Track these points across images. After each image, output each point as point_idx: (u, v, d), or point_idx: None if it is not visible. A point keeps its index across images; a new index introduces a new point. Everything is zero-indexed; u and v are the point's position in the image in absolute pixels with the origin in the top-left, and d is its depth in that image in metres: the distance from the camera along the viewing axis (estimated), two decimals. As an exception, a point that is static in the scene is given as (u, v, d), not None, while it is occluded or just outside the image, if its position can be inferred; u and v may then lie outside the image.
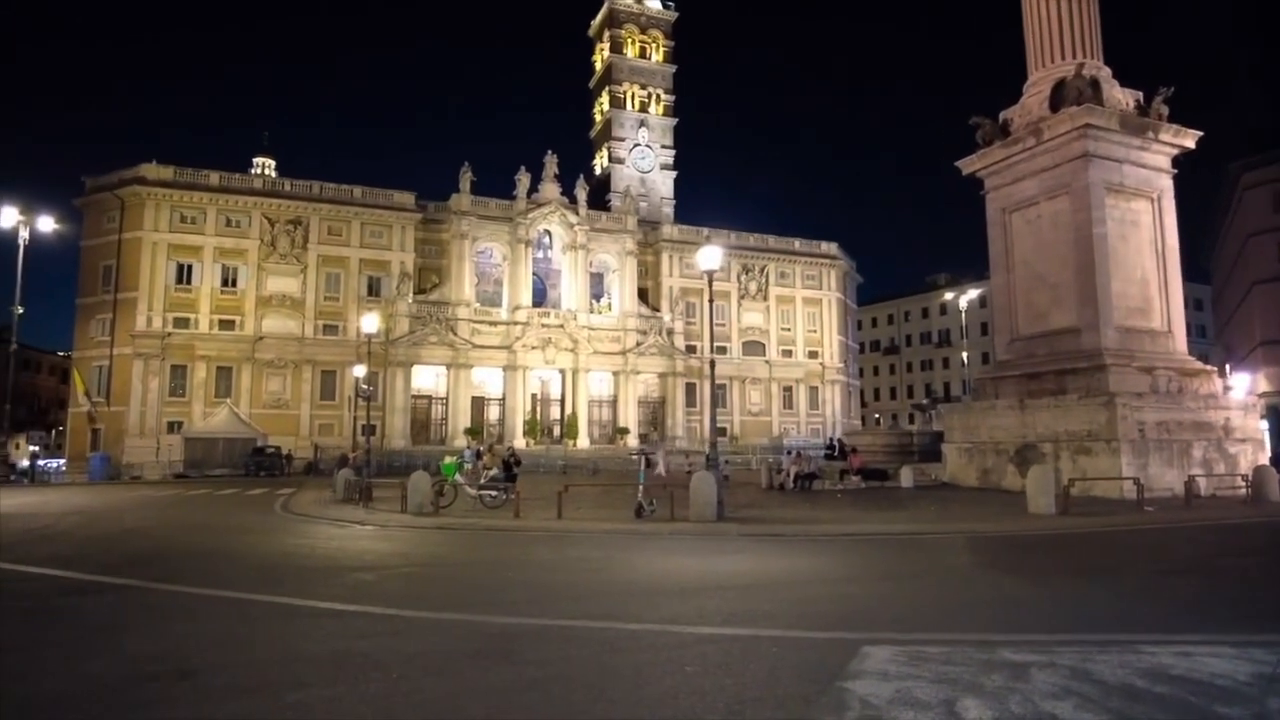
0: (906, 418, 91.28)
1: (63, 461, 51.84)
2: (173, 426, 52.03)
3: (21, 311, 40.42)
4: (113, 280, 54.05)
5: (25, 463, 50.74)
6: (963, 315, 63.18)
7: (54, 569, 10.99)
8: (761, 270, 71.26)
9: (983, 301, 64.49)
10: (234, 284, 55.53)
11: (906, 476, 25.93)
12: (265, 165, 77.66)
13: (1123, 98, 25.12)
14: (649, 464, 21.61)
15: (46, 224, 40.05)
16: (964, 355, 71.00)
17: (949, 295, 78.50)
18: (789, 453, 30.77)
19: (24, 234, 38.60)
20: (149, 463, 47.88)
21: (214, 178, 56.04)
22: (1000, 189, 26.52)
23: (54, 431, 79.08)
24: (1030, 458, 22.83)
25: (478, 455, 31.35)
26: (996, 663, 5.88)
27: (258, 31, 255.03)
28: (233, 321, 55.21)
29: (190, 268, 54.66)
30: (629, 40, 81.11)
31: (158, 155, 55.96)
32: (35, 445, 71.78)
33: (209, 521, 19.02)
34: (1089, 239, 23.51)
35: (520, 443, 55.53)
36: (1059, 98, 24.62)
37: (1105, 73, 25.31)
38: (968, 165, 27.31)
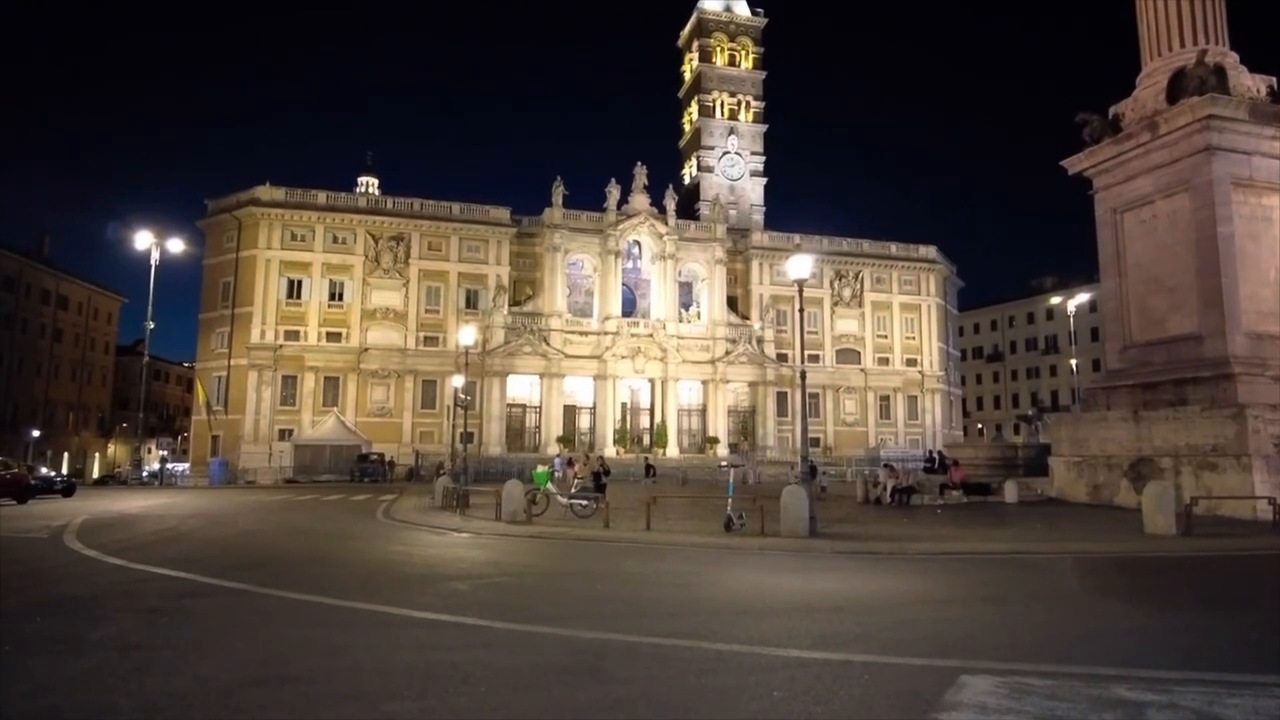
0: (1011, 429, 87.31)
1: (187, 466, 55.52)
2: (284, 434, 54.95)
3: (153, 326, 43.62)
4: (231, 296, 57.64)
5: (155, 466, 54.67)
6: (1070, 320, 59.95)
7: (176, 570, 11.75)
8: (856, 276, 69.75)
9: (1092, 306, 61.07)
10: (340, 298, 58.26)
11: (1011, 491, 24.82)
12: (369, 184, 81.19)
13: (1252, 84, 23.37)
14: (738, 476, 21.42)
15: (176, 245, 43.16)
16: (1072, 363, 67.46)
17: (1056, 299, 74.84)
18: (885, 465, 29.90)
19: (155, 254, 41.68)
20: (262, 468, 50.71)
21: (321, 197, 59.06)
22: (1110, 188, 25.10)
23: (179, 437, 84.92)
24: (1146, 473, 21.43)
25: (568, 464, 31.89)
26: (1109, 700, 5.51)
27: (364, 54, 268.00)
28: (339, 334, 57.91)
29: (300, 283, 57.70)
30: (718, 49, 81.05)
31: (271, 177, 59.26)
32: (164, 450, 77.27)
33: (315, 527, 19.93)
34: (1213, 239, 21.94)
35: (610, 451, 56.05)
36: (1177, 88, 23.10)
37: (1231, 59, 23.62)
38: (1074, 164, 25.97)
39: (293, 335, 57.13)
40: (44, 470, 42.02)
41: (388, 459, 50.05)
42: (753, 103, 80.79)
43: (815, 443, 63.47)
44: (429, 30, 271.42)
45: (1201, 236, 22.25)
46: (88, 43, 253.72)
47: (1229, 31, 24.13)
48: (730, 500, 17.55)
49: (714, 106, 79.93)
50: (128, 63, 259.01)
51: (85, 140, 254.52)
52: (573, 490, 22.66)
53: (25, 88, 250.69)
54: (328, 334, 57.76)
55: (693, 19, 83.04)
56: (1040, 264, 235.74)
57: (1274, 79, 23.57)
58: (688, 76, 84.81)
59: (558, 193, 61.78)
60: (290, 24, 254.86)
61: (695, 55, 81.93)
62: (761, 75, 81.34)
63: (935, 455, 42.33)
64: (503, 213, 62.21)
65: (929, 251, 72.66)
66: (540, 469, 24.98)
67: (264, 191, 58.21)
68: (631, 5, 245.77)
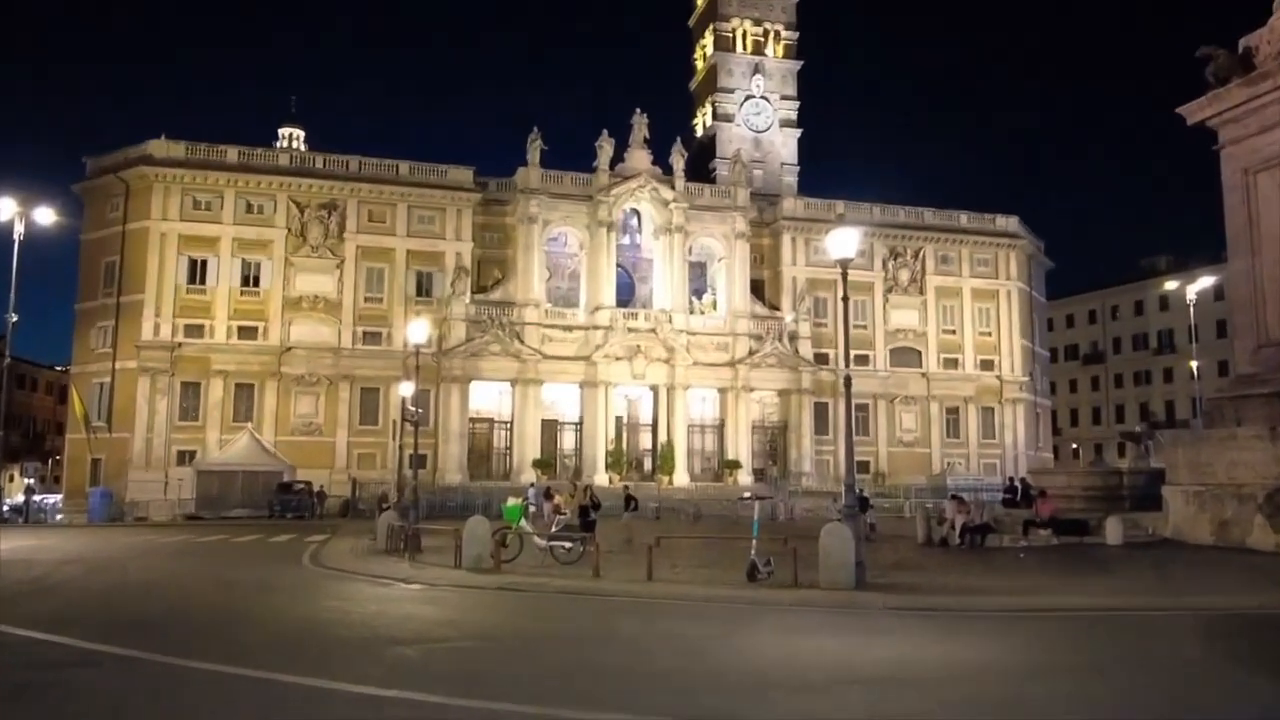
0: (1114, 449, 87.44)
1: (60, 498, 55.45)
2: (184, 457, 55.00)
3: (15, 319, 43.57)
4: (116, 280, 57.73)
5: (19, 498, 54.58)
6: (1190, 311, 59.89)
7: (49, 632, 11.73)
8: (916, 255, 69.85)
9: (1218, 293, 61.03)
10: (256, 283, 58.36)
11: (1114, 530, 24.79)
12: (293, 138, 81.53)
13: None
14: (765, 510, 21.45)
15: (45, 215, 43.06)
16: (1192, 365, 67.36)
17: (1171, 284, 74.83)
18: (953, 496, 29.90)
19: (19, 228, 41.63)
20: (156, 501, 50.66)
21: (232, 154, 59.19)
22: (1241, 142, 25.10)
23: (50, 461, 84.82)
24: (1289, 507, 21.44)
25: (546, 495, 31.89)
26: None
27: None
28: (255, 329, 58.00)
29: (205, 264, 57.76)
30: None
31: (168, 129, 59.09)
32: (30, 477, 77.03)
33: (225, 575, 19.94)
34: (1374, 208, 21.97)
35: (601, 478, 56.05)
36: (1328, 15, 23.15)
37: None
38: (1194, 112, 25.97)
39: (195, 330, 57.18)
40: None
41: (316, 489, 49.95)
42: (783, 32, 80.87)
43: (864, 467, 63.30)
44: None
45: (1359, 204, 22.29)
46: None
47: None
48: (755, 542, 17.54)
49: (734, 37, 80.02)
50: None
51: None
52: (553, 529, 22.67)
53: None
54: (240, 329, 57.81)
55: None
56: (1152, 240, 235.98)
57: None
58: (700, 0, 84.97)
59: (534, 148, 61.85)
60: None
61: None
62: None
63: (1017, 484, 42.20)
64: (464, 174, 62.31)
65: (1009, 223, 72.71)
66: (512, 502, 25.03)
67: (158, 147, 58.30)
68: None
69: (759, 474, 62.93)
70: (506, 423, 61.20)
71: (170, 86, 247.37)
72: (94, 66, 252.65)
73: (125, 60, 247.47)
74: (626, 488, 28.89)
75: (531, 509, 25.38)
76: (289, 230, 59.01)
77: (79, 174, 60.75)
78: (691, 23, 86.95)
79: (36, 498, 54.19)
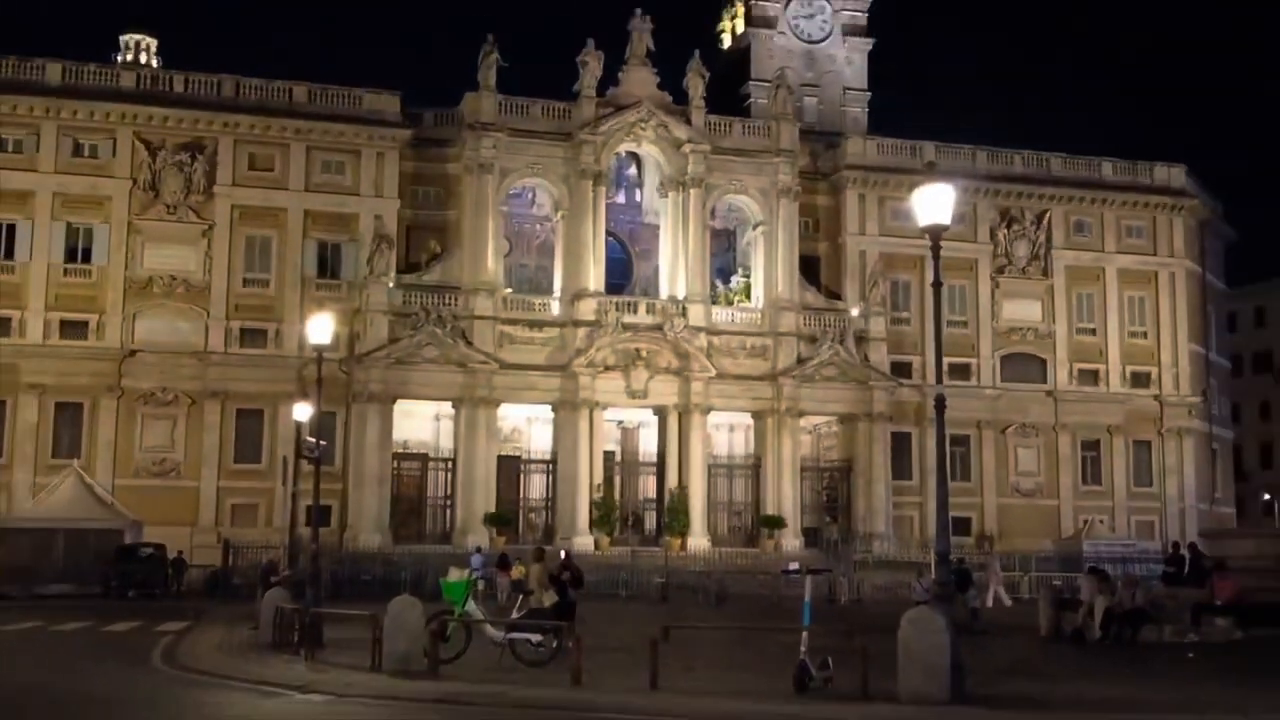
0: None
1: None
2: (-19, 508, 54.91)
3: None
4: (-118, 251, 57.68)
5: None
6: None
7: None
8: (1039, 220, 69.95)
9: None
10: (86, 258, 58.39)
11: (1324, 619, 24.80)
12: (141, 48, 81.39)
13: None
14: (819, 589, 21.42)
15: None
16: None
17: None
18: (1092, 570, 29.94)
19: None
20: (-60, 571, 50.51)
21: (54, 72, 59.22)
22: None
23: None
24: None
25: (501, 564, 31.93)
26: None
27: None
28: (84, 324, 57.97)
29: (12, 230, 57.72)
30: None
31: (-37, 35, 58.86)
32: None
33: (39, 683, 19.80)
34: None
35: (585, 540, 56.02)
36: None
37: None
38: None
39: (0, 326, 57.22)
40: None
41: (172, 555, 49.87)
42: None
43: (963, 527, 63.20)
44: None
45: None
46: None
47: None
48: (806, 634, 17.50)
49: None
50: None
51: None
52: (515, 614, 22.60)
53: None
54: (63, 324, 57.74)
55: None
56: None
57: None
58: None
59: (489, 66, 61.71)
60: None
61: None
62: None
63: (1184, 553, 42.11)
64: (388, 101, 62.44)
65: (1174, 176, 72.82)
66: (454, 576, 24.83)
67: (-53, 60, 58.48)
68: None
69: (811, 536, 62.83)
70: (447, 460, 61.13)
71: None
72: None
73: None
74: (566, 556, 28.36)
75: (480, 584, 25.29)
76: (134, 181, 59.02)
77: None
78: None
79: None
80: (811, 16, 79.65)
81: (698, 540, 59.63)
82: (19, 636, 29.32)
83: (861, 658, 16.73)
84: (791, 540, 61.33)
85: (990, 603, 36.50)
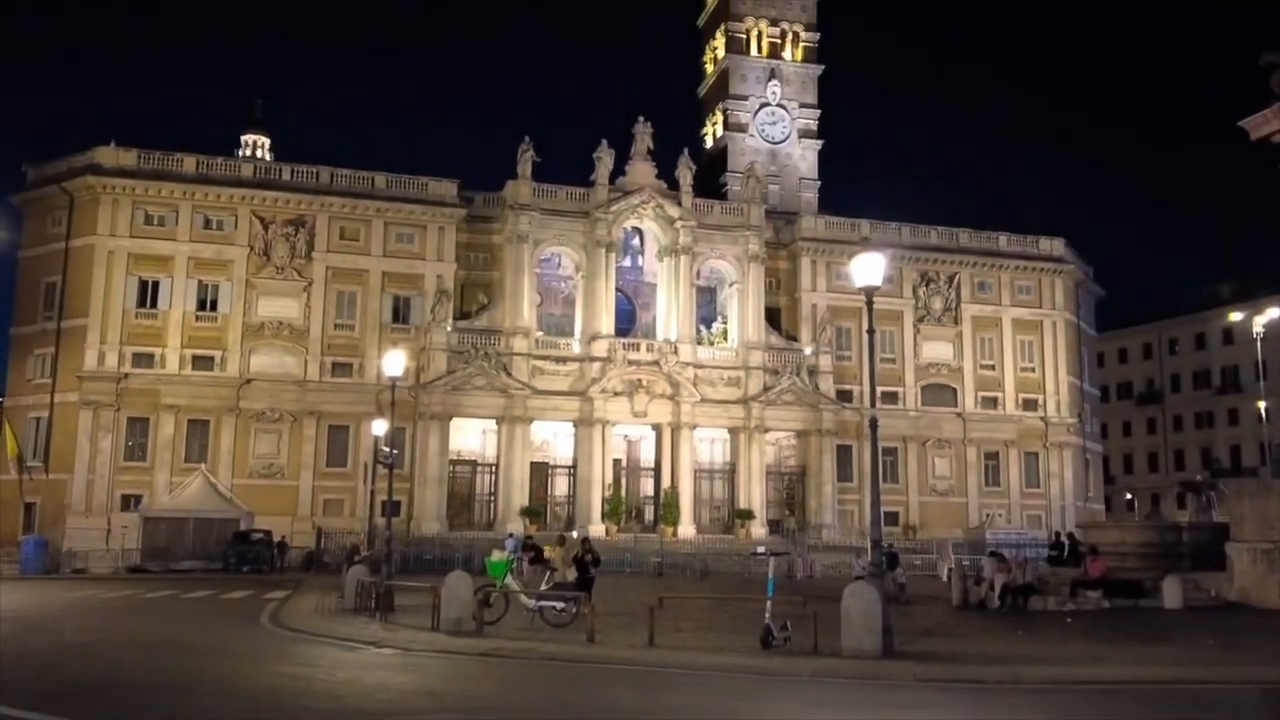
0: (1173, 500, 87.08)
1: (-11, 547, 55.20)
2: (129, 501, 54.85)
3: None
4: (57, 302, 57.84)
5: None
6: (1258, 346, 60.02)
7: (-26, 702, 11.71)
8: (950, 281, 70.09)
9: (1290, 325, 61.26)
10: (213, 307, 58.54)
11: (1172, 592, 24.74)
12: (257, 146, 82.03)
13: None
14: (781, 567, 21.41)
15: (-21, 229, 43.44)
16: (1261, 406, 67.44)
17: (1236, 316, 74.93)
18: (993, 553, 29.85)
19: (-50, 244, 41.95)
20: (97, 550, 50.44)
21: (189, 164, 59.54)
22: (1313, 160, 25.29)
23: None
24: (1370, 568, 21.39)
25: (525, 547, 31.80)
26: None
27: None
28: (211, 359, 58.09)
29: (156, 285, 57.95)
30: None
31: (119, 135, 59.34)
32: (-44, 523, 76.94)
33: (174, 637, 19.86)
34: None
35: (597, 529, 55.88)
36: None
37: None
38: (1258, 126, 26.09)
39: (145, 360, 57.27)
40: None
41: (277, 539, 49.79)
42: (803, 34, 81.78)
43: (892, 519, 63.04)
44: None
45: None
46: None
47: None
48: (769, 603, 17.51)
49: (748, 39, 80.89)
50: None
51: None
52: (544, 586, 22.61)
53: None
54: (195, 358, 57.92)
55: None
56: (1213, 266, 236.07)
57: None
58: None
59: (525, 160, 62.24)
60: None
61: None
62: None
63: (1064, 540, 42.02)
64: (447, 187, 62.68)
65: (1055, 246, 72.95)
66: (496, 556, 24.93)
67: (107, 154, 58.73)
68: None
69: (774, 526, 62.75)
70: (491, 465, 61.10)
71: (123, 88, 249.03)
72: (38, 65, 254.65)
73: (74, 58, 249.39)
74: (585, 541, 28.25)
75: (512, 563, 25.32)
76: (251, 249, 59.29)
77: (19, 184, 61.15)
78: (700, 23, 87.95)
79: (-38, 547, 54.04)
80: (775, 123, 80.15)
81: (686, 529, 59.50)
82: (158, 602, 29.33)
83: (813, 622, 16.78)
84: (759, 529, 61.21)
85: (945, 577, 36.12)
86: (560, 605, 20.90)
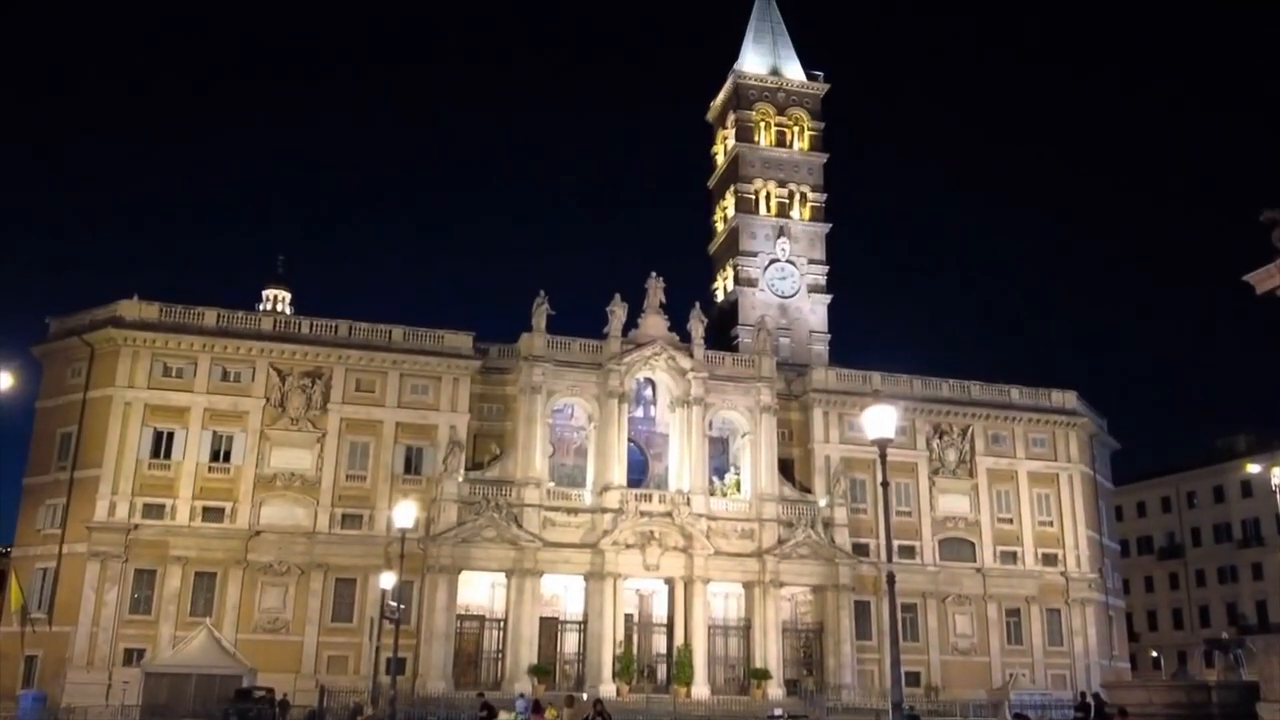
0: (1200, 658, 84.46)
1: (-15, 702, 53.87)
2: (132, 656, 53.76)
3: (-45, 496, 43.68)
4: (71, 453, 57.98)
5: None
6: (1277, 498, 59.16)
7: None
8: (963, 433, 69.89)
9: (1310, 478, 60.55)
10: (226, 458, 58.54)
11: (1208, 758, 23.63)
12: (278, 300, 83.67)
13: None
14: None
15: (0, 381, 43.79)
16: (1287, 561, 66.14)
17: (1254, 467, 74.34)
18: (1018, 716, 28.81)
19: (-32, 395, 42.29)
20: (96, 707, 49.16)
21: (210, 317, 60.56)
22: (1321, 312, 25.34)
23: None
24: None
25: (535, 708, 30.79)
26: None
27: (273, 132, 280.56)
28: (221, 510, 57.75)
29: (171, 436, 58.14)
30: (761, 123, 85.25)
31: (143, 290, 60.45)
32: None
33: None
34: None
35: (608, 689, 54.29)
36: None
37: None
38: (1264, 280, 26.07)
39: (155, 510, 56.94)
40: None
41: (279, 697, 48.50)
42: (810, 194, 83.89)
43: (913, 679, 61.41)
44: (365, 96, 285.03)
45: None
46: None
47: None
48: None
49: (757, 199, 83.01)
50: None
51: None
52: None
53: None
54: (205, 509, 57.54)
55: (728, 85, 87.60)
56: (1229, 418, 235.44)
57: None
58: (720, 160, 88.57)
59: (540, 313, 63.06)
60: (178, 86, 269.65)
61: (731, 132, 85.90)
62: (822, 158, 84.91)
63: (1090, 700, 40.67)
64: (463, 340, 63.42)
65: (1068, 399, 72.93)
66: (504, 718, 24.12)
67: (129, 308, 59.72)
68: (643, 63, 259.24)
69: (792, 686, 60.92)
70: (499, 620, 59.73)
71: (147, 245, 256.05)
72: (64, 223, 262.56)
73: (99, 216, 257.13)
74: (598, 703, 26.96)
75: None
76: (267, 400, 59.64)
77: (39, 335, 62.06)
78: (711, 184, 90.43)
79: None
80: (784, 279, 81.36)
81: (700, 689, 57.71)
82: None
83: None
84: (775, 690, 59.26)
85: None
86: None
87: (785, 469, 66.14)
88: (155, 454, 57.83)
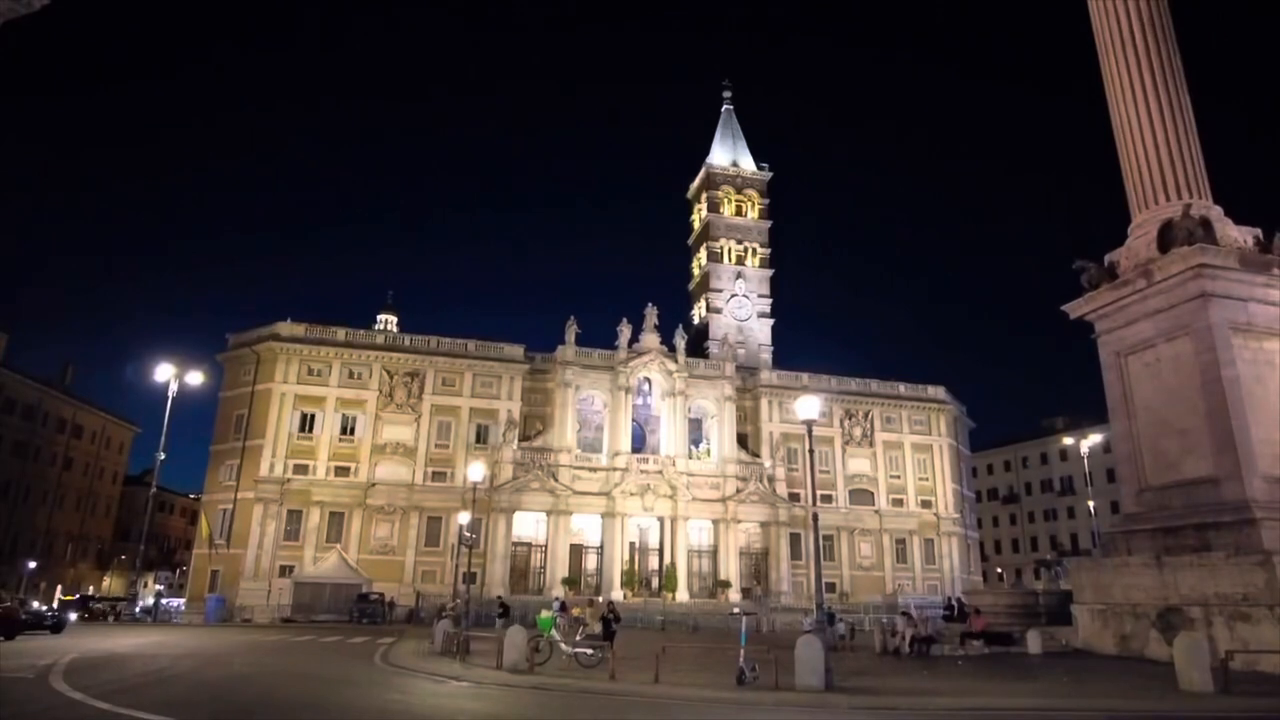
0: (1031, 573, 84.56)
1: (183, 602, 53.99)
2: (284, 570, 53.72)
3: (163, 457, 43.80)
4: (243, 428, 57.94)
5: (150, 601, 53.24)
6: (1085, 461, 59.28)
7: (166, 715, 11.30)
8: (866, 415, 69.87)
9: (1106, 447, 60.47)
10: (352, 432, 58.52)
11: (1034, 641, 23.78)
12: (388, 322, 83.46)
13: (1239, 235, 24.24)
14: (751, 624, 20.71)
15: (195, 378, 44.03)
16: (1090, 504, 66.21)
17: (1068, 440, 74.50)
18: (903, 613, 28.89)
19: (173, 386, 42.46)
20: (259, 606, 49.29)
21: (340, 334, 60.53)
22: (1113, 332, 25.55)
23: (178, 570, 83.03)
24: (1176, 623, 20.59)
25: (562, 608, 30.91)
26: None
27: (387, 199, 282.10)
28: (348, 468, 57.75)
29: (313, 417, 58.15)
30: (725, 200, 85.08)
31: (293, 313, 60.83)
32: (161, 585, 75.39)
33: (311, 670, 19.21)
34: (1218, 381, 22.11)
35: (618, 594, 54.36)
36: (1167, 238, 23.95)
37: (1216, 211, 24.65)
38: (1075, 309, 26.55)
39: (301, 469, 57.02)
40: (35, 604, 40.94)
41: (388, 599, 48.63)
42: (759, 249, 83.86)
43: (830, 588, 61.39)
44: (461, 184, 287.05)
45: (1207, 380, 22.41)
46: (121, 181, 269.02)
47: (1211, 186, 25.33)
48: (743, 650, 16.90)
49: (722, 253, 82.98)
50: (161, 203, 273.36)
51: (117, 275, 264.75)
52: (578, 638, 21.91)
53: (53, 218, 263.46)
54: (336, 468, 57.61)
55: (701, 173, 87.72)
56: (1051, 404, 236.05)
57: (1259, 230, 24.50)
58: (697, 225, 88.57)
59: (571, 331, 63.22)
60: (325, 182, 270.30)
61: (704, 206, 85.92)
62: (767, 224, 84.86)
63: (955, 602, 40.81)
64: (516, 350, 63.46)
65: (938, 392, 72.98)
66: (545, 614, 24.28)
67: (284, 328, 59.80)
68: (643, 162, 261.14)
69: (746, 592, 60.87)
70: (542, 546, 59.79)
71: (296, 280, 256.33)
72: (234, 265, 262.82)
73: (261, 261, 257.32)
74: (610, 604, 26.96)
75: (558, 620, 24.54)
76: (380, 392, 59.63)
77: (221, 346, 62.12)
78: (690, 241, 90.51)
79: (164, 601, 52.92)
80: (741, 308, 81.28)
81: (682, 594, 57.73)
82: (302, 644, 28.44)
83: (775, 664, 16.15)
84: (734, 595, 59.29)
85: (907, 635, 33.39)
86: (590, 651, 20.20)
87: (742, 441, 66.03)
88: (302, 429, 57.78)
